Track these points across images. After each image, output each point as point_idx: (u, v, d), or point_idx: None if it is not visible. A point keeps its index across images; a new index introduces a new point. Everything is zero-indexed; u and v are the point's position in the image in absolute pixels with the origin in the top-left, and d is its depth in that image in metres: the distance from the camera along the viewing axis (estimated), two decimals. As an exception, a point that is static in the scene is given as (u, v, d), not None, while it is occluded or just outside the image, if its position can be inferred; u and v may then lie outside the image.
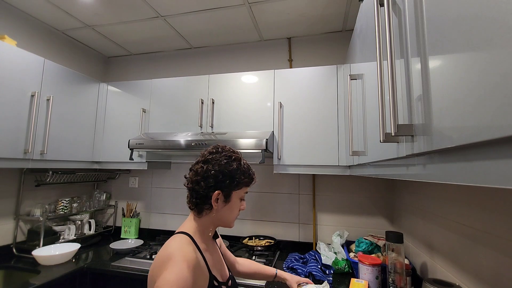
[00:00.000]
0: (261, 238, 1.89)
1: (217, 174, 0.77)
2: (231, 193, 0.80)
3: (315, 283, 1.31)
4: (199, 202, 0.79)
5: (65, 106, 1.73)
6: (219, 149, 0.83)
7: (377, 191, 1.79)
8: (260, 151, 1.47)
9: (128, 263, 1.55)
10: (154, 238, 2.08)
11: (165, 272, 0.64)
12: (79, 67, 2.23)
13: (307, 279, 1.13)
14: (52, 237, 1.77)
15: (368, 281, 1.21)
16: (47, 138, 1.56)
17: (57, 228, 1.82)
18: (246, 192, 0.86)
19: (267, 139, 1.46)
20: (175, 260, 0.66)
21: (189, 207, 0.82)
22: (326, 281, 1.13)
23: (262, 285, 1.30)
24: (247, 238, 1.89)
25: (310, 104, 1.63)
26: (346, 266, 1.43)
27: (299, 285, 1.09)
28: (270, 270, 1.13)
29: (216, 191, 0.77)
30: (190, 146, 1.55)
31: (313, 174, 1.92)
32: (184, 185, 0.82)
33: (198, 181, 0.78)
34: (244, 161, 0.84)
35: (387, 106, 0.55)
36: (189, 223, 0.82)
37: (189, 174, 0.82)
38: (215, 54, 2.25)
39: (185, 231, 0.78)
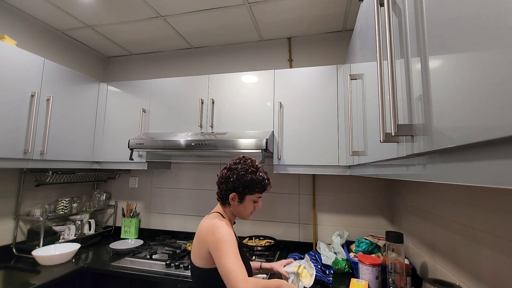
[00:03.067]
0: (261, 238, 1.89)
1: (234, 181, 1.02)
2: (245, 196, 1.04)
3: (314, 284, 1.31)
4: (222, 198, 1.06)
5: (65, 106, 1.73)
6: (241, 161, 1.06)
7: (377, 191, 1.79)
8: (260, 151, 1.47)
9: (128, 263, 1.55)
10: (154, 238, 2.08)
11: (217, 230, 0.91)
12: (79, 67, 2.23)
13: (289, 260, 1.25)
14: (52, 237, 1.77)
15: (368, 281, 1.21)
16: (47, 138, 1.56)
17: (57, 228, 1.82)
18: (260, 197, 1.08)
19: (267, 139, 1.45)
20: (220, 223, 0.94)
21: (217, 199, 1.09)
22: (306, 255, 1.30)
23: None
24: (247, 238, 1.89)
25: (310, 104, 1.63)
26: (346, 266, 1.43)
27: (284, 266, 1.22)
28: (255, 263, 1.27)
29: (232, 193, 1.02)
30: (190, 146, 1.55)
31: (313, 174, 1.91)
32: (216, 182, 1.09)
33: (222, 183, 1.04)
34: (260, 174, 1.05)
35: (387, 106, 0.55)
36: (218, 208, 1.09)
37: (219, 174, 1.08)
38: (215, 54, 2.25)
39: (218, 211, 1.05)
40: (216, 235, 0.90)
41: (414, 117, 0.47)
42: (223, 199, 1.06)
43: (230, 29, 1.97)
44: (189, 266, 1.06)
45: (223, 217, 1.03)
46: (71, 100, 1.77)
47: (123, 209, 2.19)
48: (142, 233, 2.16)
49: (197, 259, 0.96)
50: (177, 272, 1.42)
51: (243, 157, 1.09)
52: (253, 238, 1.90)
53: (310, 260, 1.52)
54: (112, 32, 2.04)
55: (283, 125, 1.66)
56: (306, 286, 1.15)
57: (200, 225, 1.01)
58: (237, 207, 1.05)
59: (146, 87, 1.94)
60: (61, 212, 1.86)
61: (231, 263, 0.85)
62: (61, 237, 1.81)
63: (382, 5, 0.57)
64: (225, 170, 1.05)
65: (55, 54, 2.02)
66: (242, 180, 1.01)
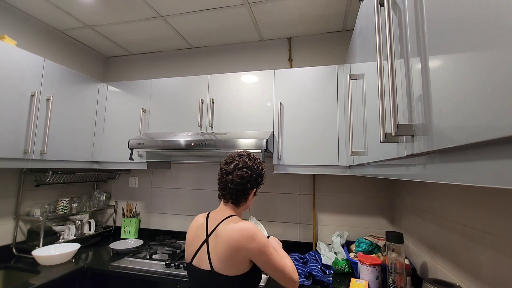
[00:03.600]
0: (261, 238, 1.89)
1: (257, 177, 1.04)
2: (259, 188, 1.07)
3: (314, 284, 1.31)
4: (239, 198, 1.02)
5: (65, 106, 1.73)
6: (251, 156, 1.07)
7: (377, 191, 1.79)
8: (260, 151, 1.47)
9: (128, 263, 1.55)
10: (154, 238, 2.08)
11: (256, 236, 0.89)
12: (79, 67, 2.23)
13: None
14: (52, 237, 1.77)
15: (368, 281, 1.21)
16: (47, 138, 1.56)
17: (57, 228, 1.82)
18: None
19: (267, 139, 1.45)
20: (254, 227, 0.92)
21: (225, 201, 1.04)
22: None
23: (262, 285, 1.30)
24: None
25: (310, 104, 1.63)
26: (346, 266, 1.43)
27: None
28: None
29: (254, 189, 1.05)
30: (190, 146, 1.55)
31: (313, 174, 1.91)
32: (229, 184, 1.01)
33: (244, 183, 1.00)
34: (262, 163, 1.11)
35: (387, 106, 0.55)
36: (230, 211, 1.02)
37: (229, 176, 1.01)
38: (215, 54, 2.25)
39: (234, 214, 1.02)
40: (258, 240, 0.89)
41: (414, 117, 0.47)
42: (238, 199, 1.01)
43: (230, 29, 1.97)
44: (202, 276, 0.93)
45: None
46: (71, 100, 1.77)
47: (123, 209, 2.19)
48: (142, 233, 2.16)
49: (226, 267, 0.89)
50: (177, 272, 1.42)
51: (245, 151, 1.09)
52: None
53: (310, 260, 1.52)
54: (112, 32, 2.04)
55: (283, 125, 1.66)
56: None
57: (221, 230, 0.92)
58: (251, 200, 1.07)
59: (146, 87, 1.94)
60: (61, 212, 1.86)
61: (281, 261, 0.93)
62: (61, 237, 1.81)
63: (382, 5, 0.57)
64: (244, 170, 1.01)
65: (55, 54, 2.02)
66: (261, 174, 1.06)
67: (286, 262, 0.96)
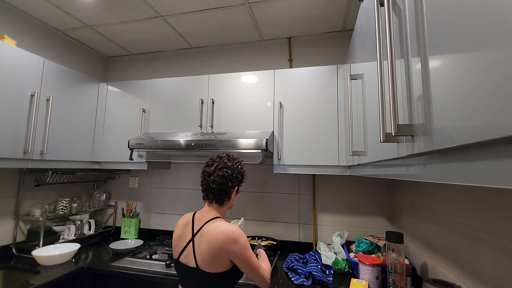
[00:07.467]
0: (263, 239, 1.89)
1: (237, 175, 1.08)
2: (240, 186, 1.12)
3: (314, 284, 1.31)
4: (222, 197, 1.06)
5: (65, 106, 1.73)
6: (231, 157, 1.12)
7: (377, 191, 1.79)
8: (260, 151, 1.47)
9: (128, 263, 1.55)
10: (154, 238, 2.08)
11: (239, 239, 0.95)
12: (79, 67, 2.22)
13: None
14: (52, 237, 1.77)
15: (368, 281, 1.21)
16: (46, 138, 1.56)
17: (56, 228, 1.82)
18: None
19: (267, 139, 1.45)
20: (237, 230, 0.97)
21: (209, 202, 1.08)
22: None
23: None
24: (249, 238, 1.89)
25: (310, 104, 1.63)
26: (346, 266, 1.43)
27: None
28: None
29: (235, 187, 1.09)
30: (190, 146, 1.55)
31: (313, 174, 1.91)
32: (211, 185, 1.05)
33: (226, 182, 1.05)
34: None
35: (387, 106, 0.55)
36: (215, 212, 1.06)
37: (211, 177, 1.05)
38: (215, 54, 2.25)
39: (219, 216, 1.06)
40: (240, 243, 0.95)
41: (414, 117, 0.47)
42: (221, 199, 1.06)
43: (230, 29, 1.97)
44: (189, 272, 0.98)
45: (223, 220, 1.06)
46: (71, 100, 1.77)
47: (123, 209, 2.18)
48: (142, 233, 2.16)
49: (210, 265, 0.94)
50: (177, 272, 1.42)
51: (224, 153, 1.13)
52: (256, 238, 1.90)
53: (310, 260, 1.52)
54: (112, 32, 2.04)
55: (283, 125, 1.66)
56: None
57: (206, 232, 0.97)
58: (234, 199, 1.12)
59: (146, 87, 1.94)
60: (61, 212, 1.86)
61: (257, 262, 1.00)
62: (61, 237, 1.81)
63: (382, 5, 0.57)
64: (225, 170, 1.05)
65: (55, 54, 2.02)
66: (241, 172, 1.11)
67: (262, 265, 1.05)
